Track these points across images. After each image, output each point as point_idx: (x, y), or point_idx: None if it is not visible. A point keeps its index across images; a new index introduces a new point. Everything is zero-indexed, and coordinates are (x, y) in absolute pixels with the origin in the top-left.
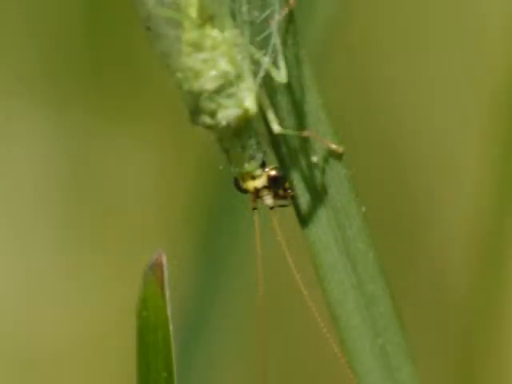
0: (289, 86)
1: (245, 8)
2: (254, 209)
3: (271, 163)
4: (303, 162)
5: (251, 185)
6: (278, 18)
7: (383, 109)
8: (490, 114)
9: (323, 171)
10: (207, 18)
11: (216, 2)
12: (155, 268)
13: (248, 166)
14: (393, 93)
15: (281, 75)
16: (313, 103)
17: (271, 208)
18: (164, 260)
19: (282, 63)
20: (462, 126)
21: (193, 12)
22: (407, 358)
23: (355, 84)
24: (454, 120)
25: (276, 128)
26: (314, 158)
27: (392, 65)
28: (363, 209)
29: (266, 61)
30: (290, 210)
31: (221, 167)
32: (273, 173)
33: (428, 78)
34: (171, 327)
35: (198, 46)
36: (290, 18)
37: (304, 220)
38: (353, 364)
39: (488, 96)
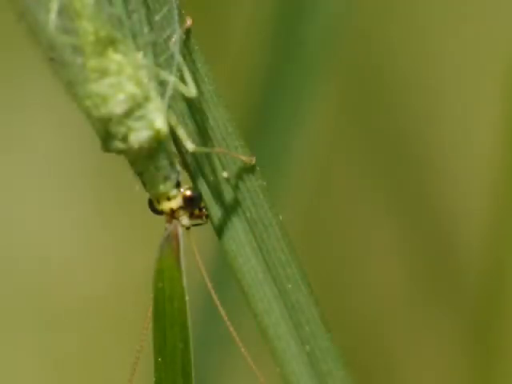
0: (195, 104)
1: (146, 30)
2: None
3: (185, 183)
4: (216, 178)
5: (167, 206)
6: (177, 37)
7: (393, 108)
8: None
9: (237, 185)
10: (108, 43)
11: (113, 27)
12: (171, 239)
13: (163, 187)
14: (405, 90)
15: (190, 90)
16: (220, 118)
17: (187, 228)
18: (180, 231)
19: (189, 78)
20: (473, 121)
21: (92, 38)
22: (337, 363)
23: (356, 83)
24: (461, 118)
25: (190, 147)
26: (225, 174)
27: (402, 62)
28: (280, 217)
29: (172, 80)
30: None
31: (137, 187)
32: (188, 193)
33: (438, 75)
34: (187, 298)
35: (103, 72)
36: (188, 36)
37: (222, 237)
38: (284, 373)
39: (500, 89)
